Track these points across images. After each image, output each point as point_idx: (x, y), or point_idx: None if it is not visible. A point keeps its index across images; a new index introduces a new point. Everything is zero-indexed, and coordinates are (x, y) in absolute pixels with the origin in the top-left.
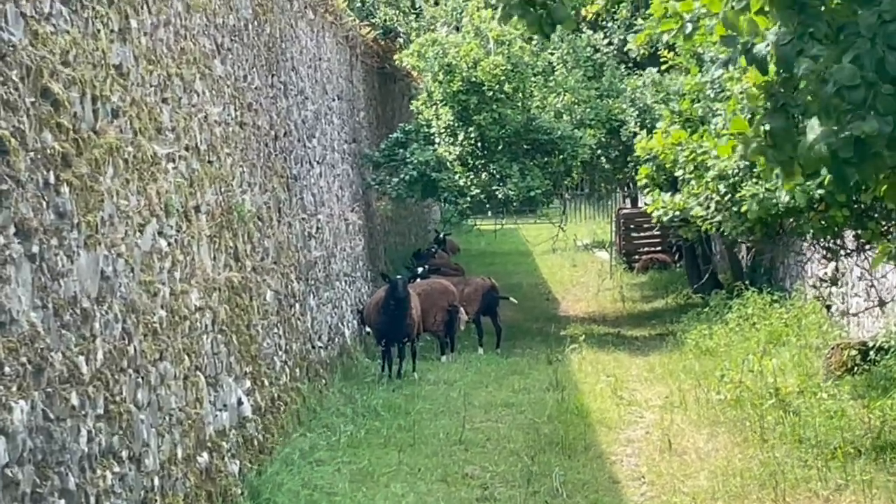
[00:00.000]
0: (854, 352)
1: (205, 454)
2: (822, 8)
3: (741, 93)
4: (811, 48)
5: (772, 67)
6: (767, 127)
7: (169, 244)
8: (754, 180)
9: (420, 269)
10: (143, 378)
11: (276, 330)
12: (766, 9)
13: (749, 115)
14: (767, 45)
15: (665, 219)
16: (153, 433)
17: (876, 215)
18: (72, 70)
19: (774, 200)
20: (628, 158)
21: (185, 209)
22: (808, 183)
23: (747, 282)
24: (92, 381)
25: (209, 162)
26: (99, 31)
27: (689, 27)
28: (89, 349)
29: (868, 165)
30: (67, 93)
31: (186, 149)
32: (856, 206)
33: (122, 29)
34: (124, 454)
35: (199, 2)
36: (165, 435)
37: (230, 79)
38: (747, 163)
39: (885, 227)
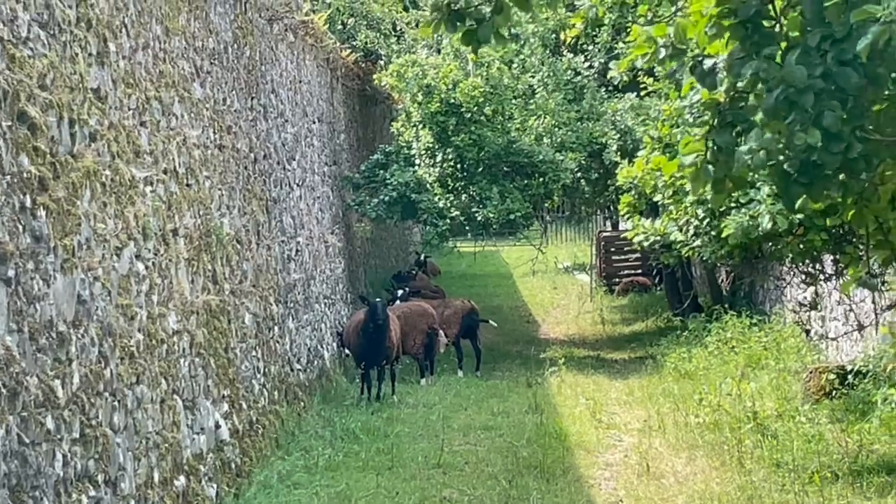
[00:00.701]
0: (832, 376)
1: (182, 478)
2: (778, 29)
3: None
4: (760, 62)
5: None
6: (710, 143)
7: (146, 267)
8: (734, 206)
9: (400, 292)
10: (119, 401)
11: (254, 353)
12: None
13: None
14: (716, 61)
15: (646, 244)
16: (129, 457)
17: (854, 240)
18: (49, 94)
19: (756, 224)
20: (609, 182)
21: (163, 232)
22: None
23: (726, 305)
24: (68, 404)
25: (188, 185)
26: (77, 54)
27: (663, 52)
28: (65, 373)
29: (817, 187)
30: (45, 116)
31: (165, 172)
32: (834, 230)
33: (101, 52)
34: (100, 478)
35: (178, 25)
36: (142, 458)
37: (209, 102)
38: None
39: (860, 253)
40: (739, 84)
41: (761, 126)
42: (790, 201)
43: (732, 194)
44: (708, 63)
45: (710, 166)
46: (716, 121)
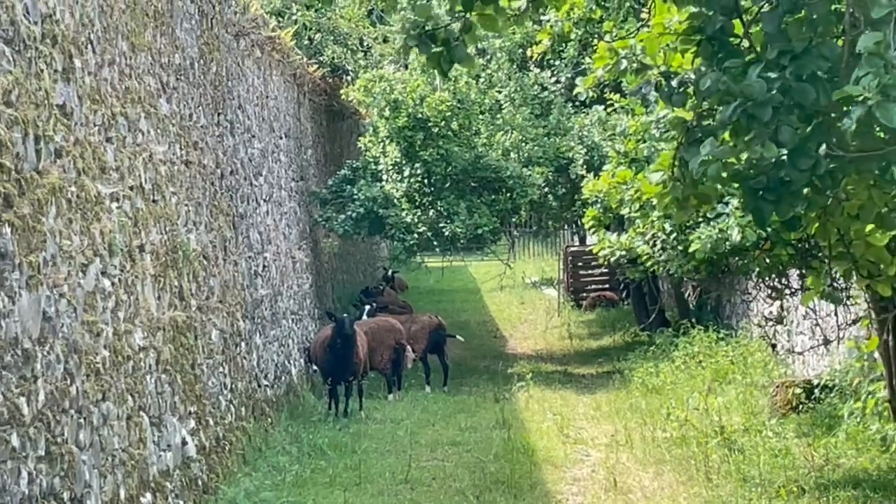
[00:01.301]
0: (799, 390)
1: (148, 495)
2: (742, 45)
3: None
4: (726, 76)
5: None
6: (677, 161)
7: (112, 284)
8: (703, 220)
9: (367, 307)
10: (85, 419)
11: (221, 369)
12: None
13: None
14: (682, 77)
15: (612, 259)
16: (95, 474)
17: (819, 254)
18: (14, 110)
19: (725, 238)
20: (576, 196)
21: (130, 248)
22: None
23: (693, 320)
24: (33, 422)
25: (154, 201)
26: (42, 70)
27: (624, 63)
28: (30, 390)
29: (786, 204)
30: (10, 133)
31: (131, 188)
32: (800, 245)
33: (66, 69)
34: (66, 496)
35: (144, 41)
36: (108, 476)
37: (175, 117)
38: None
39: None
40: (704, 99)
41: (721, 141)
42: (760, 218)
43: (699, 209)
44: (674, 81)
45: (677, 183)
46: (683, 138)
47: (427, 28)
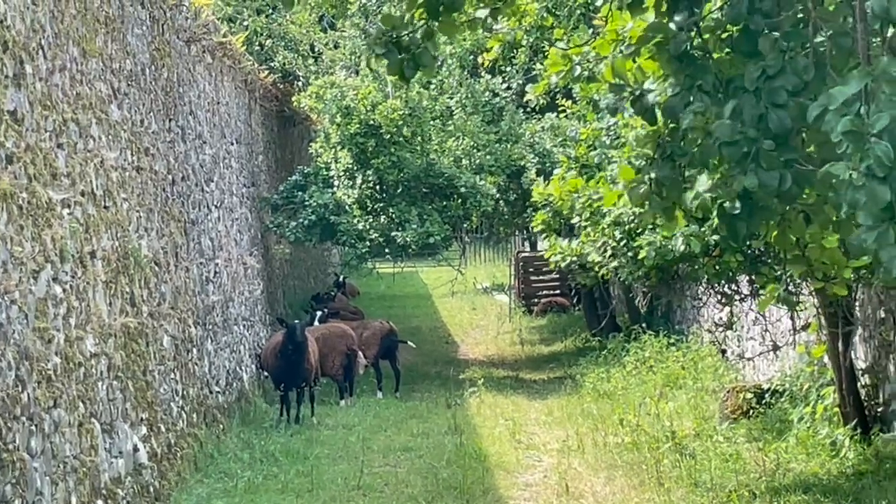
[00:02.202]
0: (749, 395)
1: (100, 502)
2: (710, 61)
3: (636, 140)
4: (698, 100)
5: (660, 117)
6: (653, 175)
7: (64, 290)
8: (650, 227)
9: (318, 313)
10: (36, 426)
11: (172, 375)
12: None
13: (640, 164)
14: (656, 95)
15: (563, 265)
16: (47, 481)
17: (769, 261)
18: None
19: (670, 247)
20: (527, 203)
21: (81, 255)
22: (702, 229)
23: (644, 325)
24: None
25: (105, 207)
26: None
27: (578, 69)
28: None
29: (756, 218)
30: None
31: (82, 194)
32: (749, 251)
33: (17, 74)
34: (17, 503)
35: (96, 47)
36: (60, 483)
37: (127, 123)
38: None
39: (778, 272)
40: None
41: (705, 170)
42: (735, 236)
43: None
44: (649, 98)
45: (656, 197)
46: (656, 154)
47: (392, 36)
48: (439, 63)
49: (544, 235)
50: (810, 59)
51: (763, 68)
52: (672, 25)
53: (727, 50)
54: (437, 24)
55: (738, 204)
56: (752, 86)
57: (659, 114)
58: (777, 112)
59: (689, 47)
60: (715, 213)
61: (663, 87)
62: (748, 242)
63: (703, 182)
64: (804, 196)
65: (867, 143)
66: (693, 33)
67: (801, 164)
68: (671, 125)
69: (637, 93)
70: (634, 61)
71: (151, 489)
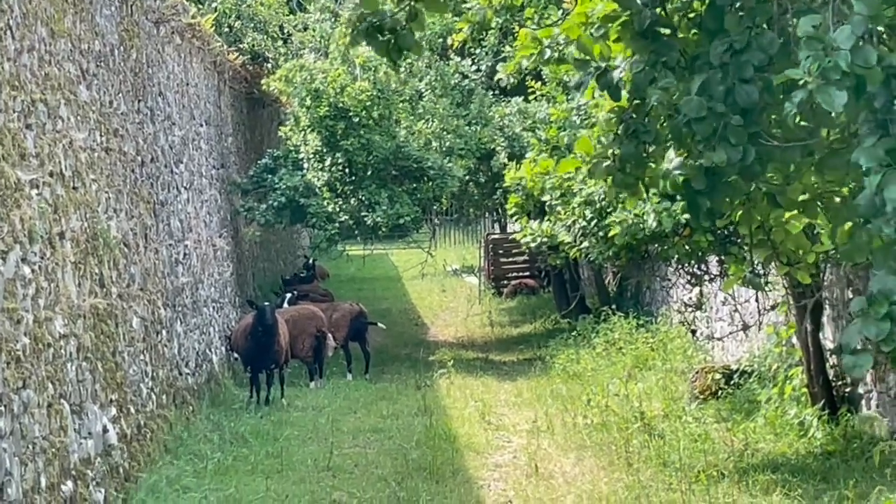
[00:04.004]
0: (718, 376)
1: (69, 483)
2: (676, 38)
3: (605, 122)
4: (664, 77)
5: (625, 94)
6: (618, 151)
7: (33, 271)
8: (621, 206)
9: (288, 295)
10: (5, 406)
11: (142, 357)
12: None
13: (602, 139)
14: (621, 71)
15: (533, 245)
16: (16, 462)
17: (738, 241)
18: None
19: (641, 225)
20: (497, 185)
21: (50, 236)
22: (673, 207)
23: (614, 307)
24: None
25: (74, 188)
26: None
27: (548, 52)
28: None
29: (719, 194)
30: None
31: (51, 175)
32: (719, 231)
33: None
34: None
35: (64, 27)
36: (29, 464)
37: (96, 104)
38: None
39: (745, 253)
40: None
41: (673, 146)
42: (696, 211)
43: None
44: (615, 75)
45: (619, 174)
46: (620, 130)
47: (374, 21)
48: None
49: (516, 218)
50: (775, 34)
51: (729, 44)
52: (638, 1)
53: (693, 31)
54: (421, 3)
55: (701, 178)
56: (717, 61)
57: (624, 92)
58: (744, 87)
59: (654, 24)
60: (678, 189)
61: (629, 64)
62: (715, 222)
63: (672, 159)
64: (770, 176)
65: (826, 47)
66: (659, 10)
67: (766, 140)
68: (636, 102)
69: (602, 69)
70: (605, 42)
71: (121, 470)
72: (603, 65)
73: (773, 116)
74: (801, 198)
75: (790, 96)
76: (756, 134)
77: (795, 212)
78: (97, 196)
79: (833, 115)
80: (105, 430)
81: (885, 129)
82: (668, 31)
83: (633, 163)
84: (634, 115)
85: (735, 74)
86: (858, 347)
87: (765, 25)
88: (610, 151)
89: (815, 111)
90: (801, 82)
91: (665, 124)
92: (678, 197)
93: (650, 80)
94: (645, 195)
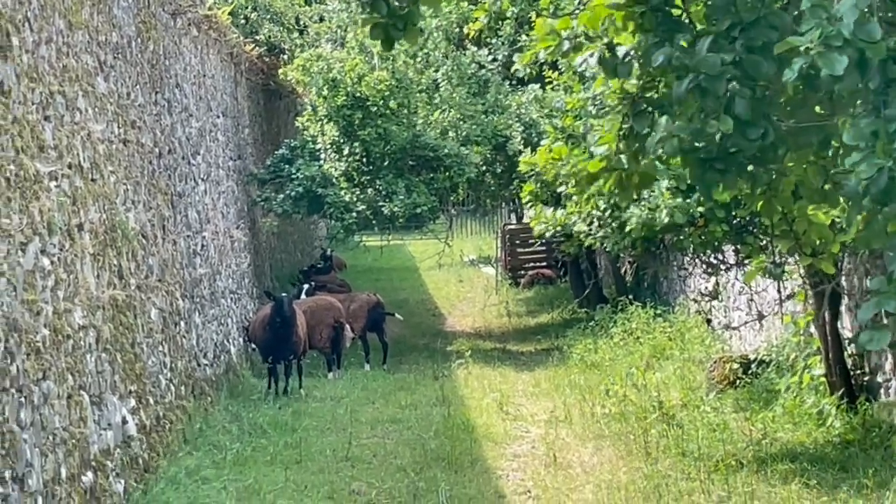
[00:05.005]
0: (736, 365)
1: (89, 474)
2: (686, 16)
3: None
4: (675, 53)
5: (633, 80)
6: (623, 133)
7: (52, 262)
8: (635, 198)
9: (306, 286)
10: (25, 397)
11: (160, 348)
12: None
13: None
14: (627, 49)
15: (548, 234)
16: (37, 453)
17: (754, 230)
18: None
19: (655, 217)
20: (513, 175)
21: (69, 227)
22: (688, 200)
23: (631, 296)
24: None
25: (92, 180)
26: None
27: (567, 44)
28: None
29: (732, 174)
30: None
31: (69, 166)
32: (735, 221)
33: (3, 46)
34: (7, 474)
35: (82, 19)
36: (49, 454)
37: (113, 96)
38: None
39: (763, 243)
40: (651, 69)
41: (673, 114)
42: (706, 189)
43: (641, 190)
44: (620, 51)
45: (621, 157)
46: (629, 109)
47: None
48: (425, 36)
49: (531, 206)
50: (786, 15)
51: (739, 18)
52: None
53: (699, 5)
54: None
55: (711, 154)
56: (725, 37)
57: (634, 74)
58: (752, 56)
59: (666, 2)
60: (685, 163)
61: (638, 42)
62: (731, 212)
63: (665, 124)
64: (790, 165)
65: (830, 16)
66: None
67: (780, 121)
68: (644, 83)
69: (608, 45)
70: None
71: (140, 461)
72: (610, 44)
73: (784, 99)
74: (824, 187)
75: (791, 62)
76: (768, 115)
77: (817, 202)
78: (115, 188)
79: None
80: (124, 421)
81: (878, 111)
82: (678, 11)
83: (639, 139)
84: (643, 95)
85: (743, 47)
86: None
87: (776, 6)
88: (616, 134)
89: (835, 101)
90: (802, 48)
91: (668, 94)
92: (693, 190)
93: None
94: (636, 190)
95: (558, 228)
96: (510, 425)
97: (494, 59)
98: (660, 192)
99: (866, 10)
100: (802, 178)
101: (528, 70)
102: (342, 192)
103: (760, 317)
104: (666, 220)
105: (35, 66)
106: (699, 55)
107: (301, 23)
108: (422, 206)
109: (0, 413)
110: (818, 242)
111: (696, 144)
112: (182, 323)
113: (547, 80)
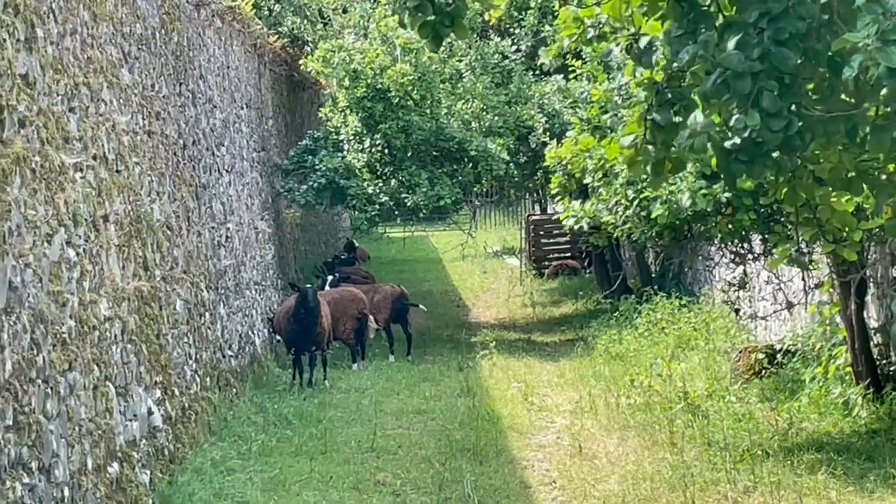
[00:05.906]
0: (761, 355)
1: (115, 464)
2: (712, 7)
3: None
4: (700, 50)
5: (658, 70)
6: (649, 123)
7: (77, 254)
8: (653, 188)
9: (330, 277)
10: (52, 388)
11: (186, 339)
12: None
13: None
14: (651, 39)
15: (576, 226)
16: (63, 444)
17: (782, 219)
18: None
19: (679, 205)
20: (537, 165)
21: (94, 218)
22: (714, 187)
23: (656, 287)
24: (0, 392)
25: (117, 171)
26: (4, 40)
27: (591, 32)
28: None
29: (758, 165)
30: None
31: (94, 158)
32: (762, 210)
33: (28, 38)
34: (34, 465)
35: (106, 10)
36: (75, 445)
37: (138, 87)
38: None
39: (790, 231)
40: (676, 64)
41: (701, 107)
42: (731, 179)
43: (673, 174)
44: (644, 41)
45: (649, 147)
46: (654, 99)
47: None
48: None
49: (559, 198)
50: (815, 5)
51: (766, 9)
52: None
53: None
54: None
55: (737, 141)
56: (753, 28)
57: (659, 63)
58: (781, 49)
59: None
60: (712, 154)
61: (664, 33)
62: (758, 200)
63: (699, 119)
64: (816, 153)
65: (886, 11)
66: None
67: (807, 109)
68: (670, 71)
69: (634, 34)
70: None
71: (166, 452)
72: (636, 34)
73: (811, 87)
74: (848, 175)
75: (849, 59)
76: (793, 104)
77: (840, 190)
78: (140, 179)
79: (881, 91)
80: (150, 413)
81: None
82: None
83: (664, 131)
84: (668, 85)
85: (771, 39)
86: None
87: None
88: (643, 125)
89: (860, 86)
90: (860, 44)
91: (697, 88)
92: (718, 177)
93: (685, 48)
94: (669, 175)
95: (588, 220)
96: (535, 416)
97: (518, 50)
98: (683, 175)
99: None
100: (833, 166)
101: (552, 61)
102: (365, 184)
103: (789, 305)
104: (688, 203)
105: (60, 58)
106: (725, 53)
107: (324, 14)
108: (445, 198)
109: (27, 404)
110: (841, 230)
111: (721, 135)
112: (207, 314)
113: (570, 69)
